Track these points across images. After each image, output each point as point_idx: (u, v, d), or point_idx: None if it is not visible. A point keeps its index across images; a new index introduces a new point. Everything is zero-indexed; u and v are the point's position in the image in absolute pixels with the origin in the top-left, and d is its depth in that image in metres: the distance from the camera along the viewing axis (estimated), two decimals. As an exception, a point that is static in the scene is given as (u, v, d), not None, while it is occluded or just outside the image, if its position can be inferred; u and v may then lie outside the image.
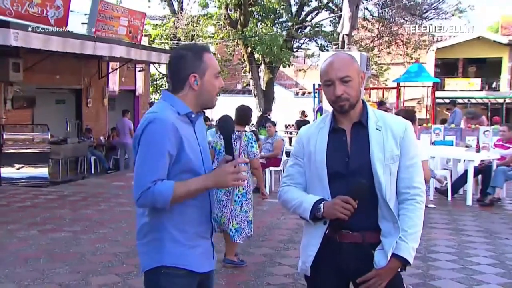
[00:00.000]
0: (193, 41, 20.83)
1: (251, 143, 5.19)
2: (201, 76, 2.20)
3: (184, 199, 2.12)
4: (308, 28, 20.52)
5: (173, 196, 2.06)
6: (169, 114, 2.12)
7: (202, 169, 2.21)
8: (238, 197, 5.16)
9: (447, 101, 27.37)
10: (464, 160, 9.55)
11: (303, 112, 17.79)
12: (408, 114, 4.84)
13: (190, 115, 2.21)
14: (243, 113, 5.53)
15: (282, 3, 19.31)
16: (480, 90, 28.68)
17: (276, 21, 19.95)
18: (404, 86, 17.36)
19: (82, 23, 15.25)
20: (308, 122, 16.87)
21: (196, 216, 2.21)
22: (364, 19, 20.12)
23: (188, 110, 2.20)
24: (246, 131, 5.39)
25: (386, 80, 24.04)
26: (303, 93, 27.45)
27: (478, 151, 9.19)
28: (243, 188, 5.12)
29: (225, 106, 23.80)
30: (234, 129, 2.31)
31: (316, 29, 20.29)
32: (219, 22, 20.14)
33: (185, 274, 2.18)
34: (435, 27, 19.47)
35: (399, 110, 5.64)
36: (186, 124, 2.17)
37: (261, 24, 18.29)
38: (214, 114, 20.88)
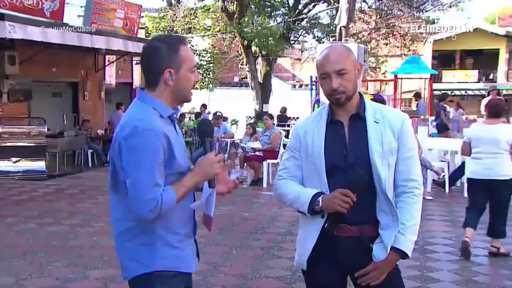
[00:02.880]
0: (190, 34, 20.72)
1: None
2: (176, 70, 2.08)
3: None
4: (305, 20, 20.44)
5: (175, 201, 2.04)
6: (156, 120, 2.04)
7: (186, 168, 2.16)
8: None
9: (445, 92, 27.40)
10: (461, 152, 9.55)
11: (283, 110, 16.90)
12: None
13: (172, 116, 2.15)
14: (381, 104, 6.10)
15: None
16: (477, 82, 28.68)
17: (272, 14, 19.84)
18: (401, 78, 17.33)
19: (78, 16, 15.19)
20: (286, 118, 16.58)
21: (183, 216, 2.17)
22: (361, 11, 20.03)
23: (171, 112, 2.13)
24: None
25: (384, 73, 23.99)
26: (300, 86, 27.40)
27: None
28: None
29: (222, 98, 23.66)
30: (212, 134, 2.28)
31: (313, 21, 20.21)
32: (216, 15, 20.04)
33: (177, 275, 2.15)
34: (433, 20, 19.42)
35: (490, 100, 6.03)
36: (168, 126, 2.11)
37: (257, 16, 18.20)
38: (211, 107, 20.86)
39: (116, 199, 2.14)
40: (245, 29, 17.41)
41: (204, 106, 18.58)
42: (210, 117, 15.90)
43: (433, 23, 19.74)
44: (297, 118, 17.01)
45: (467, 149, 5.59)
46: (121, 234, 2.15)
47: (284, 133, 11.65)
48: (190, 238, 2.22)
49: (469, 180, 5.64)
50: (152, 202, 1.97)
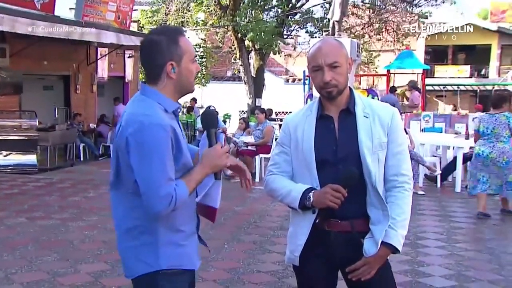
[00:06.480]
0: (183, 28, 20.57)
1: (511, 122, 6.40)
2: (178, 63, 2.04)
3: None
4: (299, 15, 20.35)
5: (188, 195, 2.02)
6: (162, 115, 2.00)
7: (191, 162, 2.14)
8: (502, 165, 6.51)
9: (437, 88, 27.49)
10: (453, 147, 9.60)
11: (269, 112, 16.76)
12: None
13: (176, 111, 2.12)
14: (499, 98, 6.70)
15: None
16: (469, 77, 28.80)
17: (266, 7, 19.75)
18: (394, 73, 17.36)
19: (69, 8, 15.05)
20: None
21: (187, 213, 2.14)
22: (354, 5, 19.99)
23: (176, 107, 2.10)
24: (503, 112, 6.52)
25: (376, 68, 24.00)
26: (293, 80, 27.36)
27: (467, 138, 9.24)
28: (506, 157, 6.47)
29: (215, 92, 23.68)
30: (217, 124, 2.22)
31: (306, 16, 20.13)
32: (209, 8, 19.92)
33: (182, 272, 2.12)
34: (425, 14, 19.42)
35: None
36: (173, 120, 2.07)
37: (251, 10, 18.10)
38: (204, 101, 20.81)
39: (117, 197, 2.10)
40: (239, 23, 17.32)
41: (194, 100, 18.51)
42: (201, 111, 15.86)
43: (426, 17, 19.73)
44: (290, 112, 16.98)
45: None
46: (123, 233, 2.10)
47: (277, 127, 11.63)
48: (194, 234, 2.20)
49: None
50: (168, 198, 1.93)
